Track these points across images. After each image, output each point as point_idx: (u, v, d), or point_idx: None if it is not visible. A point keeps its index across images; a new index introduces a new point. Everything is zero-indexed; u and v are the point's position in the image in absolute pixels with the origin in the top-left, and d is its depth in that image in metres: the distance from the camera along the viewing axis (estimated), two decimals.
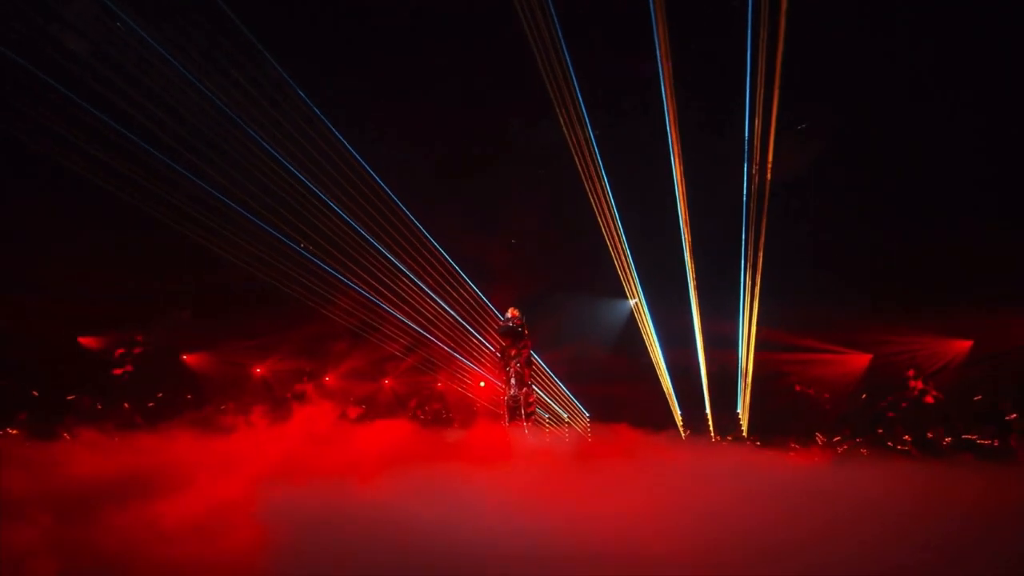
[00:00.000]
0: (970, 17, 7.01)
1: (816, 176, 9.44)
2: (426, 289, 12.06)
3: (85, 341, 13.76)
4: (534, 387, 10.58)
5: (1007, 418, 9.90)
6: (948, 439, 9.78)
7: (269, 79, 9.22)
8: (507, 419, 9.91)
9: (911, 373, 11.94)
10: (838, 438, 10.90)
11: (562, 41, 8.64)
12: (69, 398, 12.71)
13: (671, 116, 8.92)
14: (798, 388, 13.73)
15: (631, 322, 13.34)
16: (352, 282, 11.59)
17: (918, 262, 10.66)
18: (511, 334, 9.98)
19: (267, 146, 9.70)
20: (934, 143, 8.42)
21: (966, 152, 8.62)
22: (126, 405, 12.95)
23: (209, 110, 9.07)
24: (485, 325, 12.52)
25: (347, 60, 10.30)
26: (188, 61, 8.65)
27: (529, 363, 10.15)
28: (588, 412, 14.35)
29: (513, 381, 9.94)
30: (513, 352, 10.02)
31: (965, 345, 12.14)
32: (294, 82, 9.40)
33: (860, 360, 13.07)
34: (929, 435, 10.75)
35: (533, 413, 10.08)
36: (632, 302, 14.05)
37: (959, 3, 6.98)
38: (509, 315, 10.07)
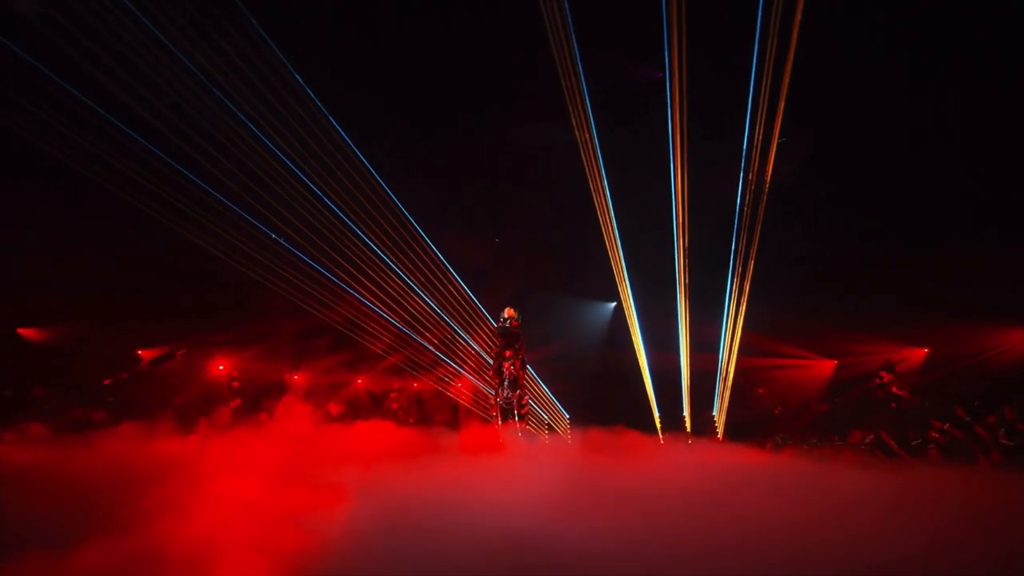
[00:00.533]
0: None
1: (808, 188, 9.82)
2: (413, 286, 11.72)
3: (26, 332, 12.63)
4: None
5: (938, 426, 10.62)
6: (914, 441, 10.40)
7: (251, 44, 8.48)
8: (500, 420, 9.76)
9: (884, 376, 12.65)
10: (814, 439, 11.40)
11: (574, 39, 8.58)
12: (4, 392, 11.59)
13: (676, 123, 9.03)
14: (766, 392, 14.34)
15: (615, 323, 13.49)
16: (333, 273, 11.09)
17: (884, 275, 11.33)
18: (508, 335, 9.85)
19: (244, 118, 8.94)
20: (924, 153, 8.92)
21: (943, 169, 9.21)
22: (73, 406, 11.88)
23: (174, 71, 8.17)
24: (477, 325, 12.31)
25: (340, 48, 9.79)
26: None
27: (524, 365, 10.05)
28: (568, 414, 14.38)
29: (507, 383, 9.81)
30: (508, 353, 9.88)
31: (922, 352, 13.16)
32: (290, 66, 8.85)
33: (827, 365, 13.84)
34: (884, 436, 11.46)
35: (527, 415, 9.97)
36: (611, 304, 14.20)
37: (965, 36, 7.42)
38: (506, 315, 9.91)
